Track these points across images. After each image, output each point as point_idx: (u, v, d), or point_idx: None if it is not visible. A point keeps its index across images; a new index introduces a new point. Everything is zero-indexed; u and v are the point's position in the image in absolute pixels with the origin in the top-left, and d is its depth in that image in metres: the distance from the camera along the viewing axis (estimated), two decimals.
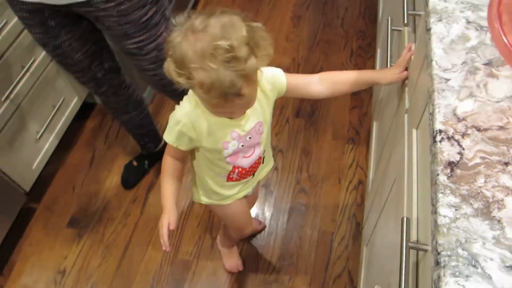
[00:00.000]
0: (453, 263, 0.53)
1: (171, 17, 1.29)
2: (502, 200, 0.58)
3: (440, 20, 0.78)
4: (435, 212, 0.59)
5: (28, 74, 1.69)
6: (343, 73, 1.14)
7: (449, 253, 0.54)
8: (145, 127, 1.81)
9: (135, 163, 1.95)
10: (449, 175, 0.61)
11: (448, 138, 0.65)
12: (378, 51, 1.97)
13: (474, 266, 0.53)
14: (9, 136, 1.65)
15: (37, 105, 1.76)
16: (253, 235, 1.74)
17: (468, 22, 0.78)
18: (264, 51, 0.84)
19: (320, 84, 1.09)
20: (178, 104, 1.00)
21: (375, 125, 1.76)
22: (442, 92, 0.69)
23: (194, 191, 1.23)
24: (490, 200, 0.58)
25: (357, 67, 2.22)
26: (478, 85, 0.70)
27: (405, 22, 1.03)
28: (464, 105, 0.67)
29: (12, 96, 1.63)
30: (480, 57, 0.73)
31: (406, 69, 1.05)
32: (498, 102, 0.68)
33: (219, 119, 0.95)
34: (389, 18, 1.26)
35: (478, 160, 0.62)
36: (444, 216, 0.57)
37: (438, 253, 0.54)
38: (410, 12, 1.05)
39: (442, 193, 0.59)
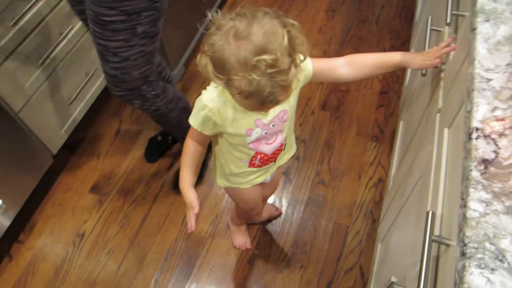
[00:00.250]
0: (479, 255, 0.54)
1: (152, 36, 1.31)
2: None
3: (487, 21, 0.78)
4: (464, 206, 0.60)
5: (65, 40, 1.73)
6: (370, 55, 1.12)
7: (476, 245, 0.55)
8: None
9: (159, 138, 1.99)
10: (482, 171, 0.62)
11: (485, 136, 0.65)
12: (412, 51, 1.96)
13: (501, 260, 0.54)
14: (42, 99, 1.69)
15: (71, 72, 1.81)
16: (268, 220, 1.77)
17: None
18: (302, 56, 0.86)
19: (346, 67, 1.08)
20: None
21: (401, 125, 1.76)
22: (483, 92, 0.70)
23: (214, 173, 1.26)
24: None
25: None
26: None
27: (448, 21, 1.03)
28: (504, 106, 0.68)
29: (48, 60, 1.67)
30: None
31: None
32: None
33: None
34: (430, 17, 1.25)
35: None
36: (474, 210, 0.58)
37: (465, 245, 0.56)
38: (453, 12, 1.04)
39: (473, 188, 0.60)
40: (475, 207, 0.59)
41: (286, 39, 0.80)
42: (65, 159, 1.99)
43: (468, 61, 0.81)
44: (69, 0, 1.45)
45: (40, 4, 1.56)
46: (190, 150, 1.09)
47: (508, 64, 0.72)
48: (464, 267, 0.54)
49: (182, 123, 1.65)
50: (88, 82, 1.90)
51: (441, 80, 1.10)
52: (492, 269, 0.53)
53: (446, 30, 1.17)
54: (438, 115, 1.03)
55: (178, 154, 1.96)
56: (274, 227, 1.76)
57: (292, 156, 1.89)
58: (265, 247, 1.71)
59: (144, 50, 1.33)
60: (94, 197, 1.88)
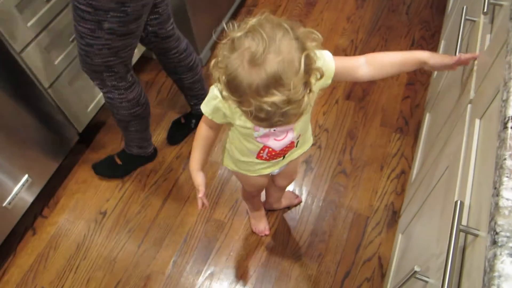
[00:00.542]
0: (511, 244, 0.53)
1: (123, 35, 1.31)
2: None
3: None
4: (497, 194, 0.59)
5: None
6: (390, 55, 1.08)
7: (508, 234, 0.54)
8: (195, 90, 1.85)
9: (182, 121, 2.00)
10: None
11: None
12: (442, 43, 1.92)
13: None
14: (71, 76, 1.72)
15: None
16: (288, 207, 1.77)
17: None
18: (318, 75, 0.82)
19: (367, 67, 1.04)
20: None
21: (427, 117, 1.73)
22: None
23: (223, 154, 1.26)
24: None
25: None
26: None
27: (485, 10, 1.00)
28: None
29: None
30: None
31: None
32: None
33: None
34: (465, 6, 1.22)
35: None
36: (507, 199, 0.57)
37: (497, 233, 0.55)
38: (491, 1, 1.02)
39: (507, 177, 0.59)
40: (508, 196, 0.58)
41: (302, 67, 0.76)
42: (90, 138, 2.02)
43: (505, 50, 0.78)
44: None
45: None
46: (202, 134, 1.11)
47: None
48: (495, 255, 0.53)
49: (128, 127, 1.68)
50: None
51: (473, 71, 1.07)
52: None
53: (482, 20, 1.14)
54: (469, 106, 1.01)
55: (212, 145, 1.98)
56: (293, 214, 1.76)
57: (313, 145, 1.90)
58: (284, 234, 1.71)
59: (110, 44, 1.34)
60: (120, 178, 1.90)
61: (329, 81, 1.00)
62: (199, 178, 1.12)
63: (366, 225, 1.70)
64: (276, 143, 1.10)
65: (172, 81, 1.86)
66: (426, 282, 0.86)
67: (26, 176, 1.63)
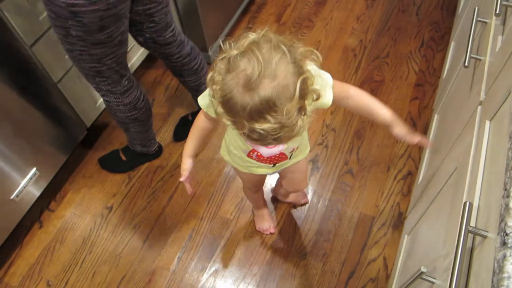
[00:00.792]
0: None
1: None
2: None
3: None
4: (507, 196, 0.59)
5: None
6: (369, 102, 1.08)
7: None
8: (201, 91, 1.83)
9: (190, 118, 2.00)
10: None
11: None
12: (452, 44, 1.91)
13: None
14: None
15: None
16: (294, 206, 1.77)
17: None
18: (315, 96, 0.81)
19: (350, 100, 1.05)
20: None
21: (436, 118, 1.73)
22: None
23: (222, 145, 1.27)
24: None
25: (425, 58, 2.16)
26: None
27: (497, 12, 0.99)
28: None
29: None
30: None
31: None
32: None
33: None
34: (476, 8, 1.22)
35: None
36: None
37: (506, 234, 0.54)
38: (503, 2, 1.01)
39: None
40: None
41: (298, 92, 0.75)
42: (98, 133, 2.03)
43: None
44: None
45: None
46: (199, 125, 1.12)
47: None
48: (504, 256, 0.53)
49: (129, 128, 1.67)
50: None
51: (484, 73, 1.07)
52: None
53: (493, 21, 1.13)
54: (479, 107, 1.00)
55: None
56: (298, 213, 1.76)
57: (320, 144, 1.90)
58: (289, 233, 1.71)
59: (87, 51, 1.31)
60: (124, 173, 1.91)
61: (326, 107, 0.99)
62: (186, 164, 1.14)
63: (372, 226, 1.70)
64: (265, 150, 1.11)
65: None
66: (433, 283, 0.85)
67: (34, 169, 1.64)
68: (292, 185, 1.49)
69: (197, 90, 1.82)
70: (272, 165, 1.19)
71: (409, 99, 2.04)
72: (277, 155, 1.14)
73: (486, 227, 0.70)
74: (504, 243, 0.54)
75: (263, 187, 1.72)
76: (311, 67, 0.83)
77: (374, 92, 2.06)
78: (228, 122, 0.82)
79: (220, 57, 0.81)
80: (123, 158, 1.89)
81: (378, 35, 2.29)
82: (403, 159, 1.86)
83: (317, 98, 0.82)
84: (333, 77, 0.97)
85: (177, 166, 1.92)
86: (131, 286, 1.62)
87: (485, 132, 0.89)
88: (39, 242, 1.75)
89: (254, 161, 1.18)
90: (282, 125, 0.76)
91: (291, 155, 1.18)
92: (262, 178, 1.39)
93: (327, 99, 0.95)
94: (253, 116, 0.76)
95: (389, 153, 1.88)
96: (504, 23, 1.07)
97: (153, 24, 1.48)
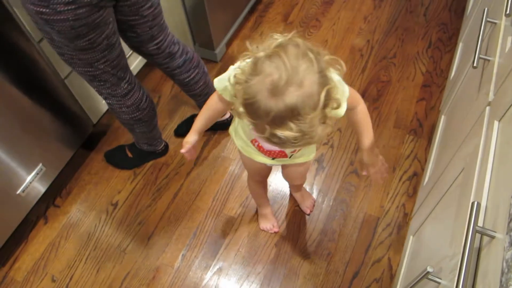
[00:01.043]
0: None
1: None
2: None
3: None
4: None
5: None
6: (364, 122, 1.11)
7: None
8: (199, 101, 1.83)
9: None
10: None
11: None
12: (460, 45, 1.90)
13: None
14: None
15: None
16: (298, 205, 1.76)
17: None
18: (335, 105, 0.81)
19: (353, 112, 1.07)
20: None
21: (442, 119, 1.72)
22: None
23: (231, 123, 1.28)
24: None
25: (433, 59, 2.15)
26: None
27: (507, 12, 0.99)
28: None
29: None
30: None
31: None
32: None
33: None
34: (486, 8, 1.21)
35: None
36: None
37: None
38: None
39: None
40: None
41: (322, 102, 0.76)
42: (104, 129, 2.03)
43: None
44: None
45: None
46: (211, 105, 1.12)
47: None
48: None
49: (133, 129, 1.67)
50: (130, 57, 1.93)
51: (492, 74, 1.06)
52: None
53: (503, 22, 1.13)
54: (487, 108, 1.00)
55: (213, 134, 1.98)
56: (303, 212, 1.75)
57: (325, 144, 1.90)
58: (293, 232, 1.71)
59: (75, 55, 1.29)
60: (129, 169, 1.91)
61: (338, 117, 0.98)
62: (189, 137, 1.16)
63: (377, 226, 1.69)
64: (266, 143, 1.10)
65: None
66: (439, 283, 0.85)
67: (40, 165, 1.65)
68: (288, 177, 1.53)
69: (195, 99, 1.82)
70: (271, 158, 1.21)
71: (416, 100, 2.03)
72: (277, 151, 1.16)
73: (494, 227, 0.69)
74: None
75: (268, 185, 1.72)
76: (334, 75, 0.83)
77: (380, 93, 2.06)
78: (249, 123, 0.82)
79: (246, 57, 0.81)
80: (129, 155, 1.89)
81: (385, 35, 2.28)
82: (409, 160, 1.85)
83: (337, 107, 0.82)
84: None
85: (182, 164, 1.92)
86: (135, 283, 1.63)
87: (494, 133, 0.89)
88: (44, 237, 1.76)
89: (255, 149, 1.19)
90: (303, 133, 0.76)
91: (292, 155, 1.19)
92: (264, 169, 1.39)
93: (342, 110, 0.94)
94: (275, 122, 0.76)
95: (394, 154, 1.87)
96: None
97: (134, 35, 1.43)
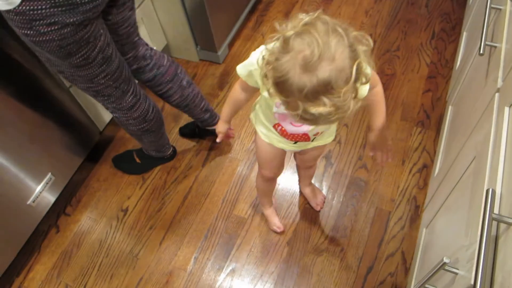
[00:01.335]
0: None
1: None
2: None
3: None
4: None
5: None
6: (381, 105, 1.12)
7: None
8: (196, 115, 1.82)
9: (197, 131, 1.97)
10: None
11: None
12: (464, 34, 1.88)
13: None
14: None
15: None
16: (308, 203, 1.75)
17: None
18: (364, 79, 0.81)
19: (370, 93, 1.04)
20: None
21: (450, 110, 1.71)
22: None
23: (252, 108, 1.28)
24: None
25: (437, 50, 2.13)
26: None
27: None
28: None
29: None
30: None
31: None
32: None
33: None
34: None
35: None
36: None
37: None
38: None
39: None
40: None
41: (354, 76, 0.76)
42: (111, 136, 2.04)
43: None
44: None
45: None
46: (235, 95, 1.18)
47: None
48: None
49: (142, 139, 1.67)
50: None
51: (500, 60, 1.05)
52: None
53: (508, 7, 1.12)
54: (497, 94, 0.99)
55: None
56: (314, 210, 1.74)
57: (333, 140, 1.89)
58: (305, 230, 1.70)
59: (74, 72, 1.26)
60: (138, 174, 1.92)
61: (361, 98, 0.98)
62: (220, 128, 1.32)
63: (388, 220, 1.68)
64: (291, 127, 1.13)
65: None
66: (456, 274, 0.84)
67: (49, 174, 1.65)
68: (302, 161, 1.54)
69: (178, 109, 1.78)
70: (293, 142, 1.20)
71: (422, 92, 2.02)
72: (300, 134, 1.16)
73: (511, 214, 0.68)
74: None
75: (277, 184, 1.72)
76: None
77: (385, 86, 2.04)
78: (281, 102, 0.84)
79: (274, 37, 0.81)
80: (138, 160, 1.89)
81: (387, 28, 2.27)
82: (417, 152, 1.84)
83: (366, 82, 0.82)
84: None
85: (190, 166, 1.92)
86: None
87: (505, 118, 0.87)
88: (57, 246, 1.76)
89: (277, 134, 1.20)
90: (337, 107, 0.76)
91: (314, 138, 1.19)
92: (279, 160, 1.39)
93: (366, 87, 0.93)
94: (309, 97, 0.76)
95: (403, 147, 1.86)
96: None
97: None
